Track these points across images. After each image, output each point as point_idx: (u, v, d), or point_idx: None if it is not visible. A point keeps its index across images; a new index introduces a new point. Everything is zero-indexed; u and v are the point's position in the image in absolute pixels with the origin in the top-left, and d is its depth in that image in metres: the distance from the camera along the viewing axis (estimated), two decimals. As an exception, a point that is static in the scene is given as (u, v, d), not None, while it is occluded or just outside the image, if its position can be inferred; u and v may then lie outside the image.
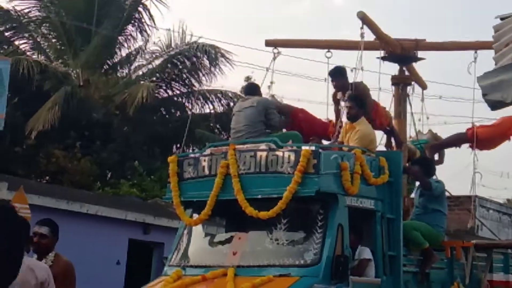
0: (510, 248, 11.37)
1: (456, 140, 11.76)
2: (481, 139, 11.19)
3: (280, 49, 11.84)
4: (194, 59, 24.92)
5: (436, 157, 12.00)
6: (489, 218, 17.13)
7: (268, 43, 12.02)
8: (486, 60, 10.56)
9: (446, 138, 11.99)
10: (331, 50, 11.64)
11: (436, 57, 12.79)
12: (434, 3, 58.98)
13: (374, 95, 10.41)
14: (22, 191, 11.36)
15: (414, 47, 12.40)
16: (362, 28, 10.74)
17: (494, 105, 10.12)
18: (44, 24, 25.24)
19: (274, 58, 11.58)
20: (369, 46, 12.23)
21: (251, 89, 10.22)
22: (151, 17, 25.40)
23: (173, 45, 25.14)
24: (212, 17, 53.84)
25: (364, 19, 10.84)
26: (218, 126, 25.46)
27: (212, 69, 24.85)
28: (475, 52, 11.56)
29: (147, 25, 25.46)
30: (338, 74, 10.24)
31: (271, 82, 11.41)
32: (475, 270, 10.47)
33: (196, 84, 25.36)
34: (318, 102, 13.33)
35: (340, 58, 12.22)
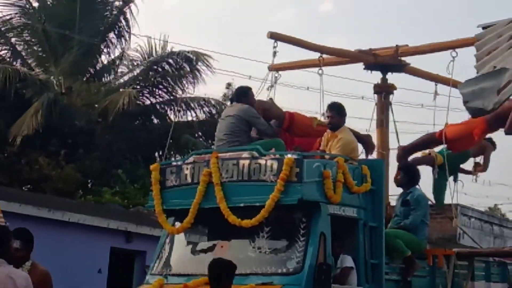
0: (492, 256, 11.41)
1: (425, 141, 11.65)
2: (450, 138, 11.09)
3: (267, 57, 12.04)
4: (176, 66, 24.89)
5: (480, 160, 11.91)
6: (471, 226, 17.15)
7: (274, 67, 12.31)
8: (466, 60, 10.56)
9: (416, 139, 11.88)
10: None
11: (420, 64, 12.81)
12: (429, 8, 59.26)
13: (353, 103, 10.48)
14: None
15: (394, 53, 12.48)
16: (275, 47, 11.32)
17: (475, 113, 10.15)
18: (25, 31, 25.14)
19: (275, 82, 11.87)
20: (360, 58, 12.50)
21: (238, 95, 9.97)
22: (128, 25, 25.37)
23: (154, 54, 25.13)
24: (196, 23, 53.89)
25: (275, 37, 11.36)
26: (200, 133, 25.43)
27: (194, 75, 24.81)
28: (453, 51, 11.58)
29: (128, 32, 25.43)
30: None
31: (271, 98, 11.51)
32: (456, 278, 10.50)
33: (178, 91, 25.33)
34: (306, 111, 13.37)
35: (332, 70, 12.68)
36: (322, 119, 10.91)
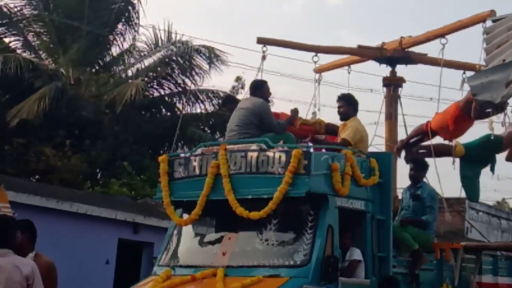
0: (499, 250, 11.40)
1: (417, 133, 11.62)
2: (435, 129, 11.08)
3: (271, 48, 12.15)
4: (187, 58, 24.85)
5: None
6: (479, 220, 17.15)
7: (318, 70, 12.85)
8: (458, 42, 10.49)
9: (410, 132, 11.89)
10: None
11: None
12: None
13: (363, 96, 10.53)
14: (3, 189, 11.27)
15: (398, 46, 12.50)
16: (265, 51, 11.70)
17: (483, 106, 10.14)
18: (35, 22, 25.16)
19: (318, 82, 12.36)
20: (369, 54, 12.63)
21: (254, 88, 9.93)
22: (137, 15, 25.39)
23: (160, 44, 25.13)
24: (203, 16, 53.91)
25: (264, 41, 11.82)
26: (208, 126, 25.40)
27: (207, 69, 24.79)
28: (443, 38, 11.69)
29: (136, 24, 25.43)
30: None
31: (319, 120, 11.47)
32: (464, 272, 10.50)
33: (188, 82, 25.32)
34: (309, 103, 13.47)
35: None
36: (310, 118, 11.03)
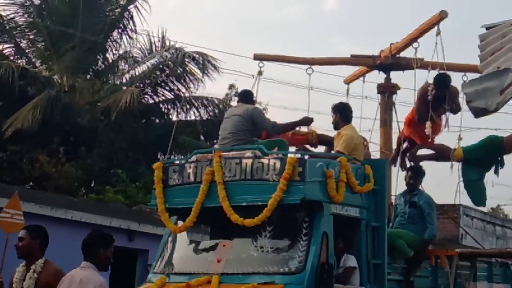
0: (494, 257, 11.40)
1: (398, 143, 11.67)
2: (407, 135, 11.15)
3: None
4: (180, 65, 24.87)
5: None
6: (474, 226, 17.16)
7: (346, 81, 13.34)
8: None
9: None
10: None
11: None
12: (433, 6, 59.33)
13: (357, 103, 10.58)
14: (17, 197, 11.23)
15: (388, 52, 12.57)
16: (262, 66, 12.04)
17: (478, 113, 10.18)
18: (28, 29, 25.16)
19: (347, 93, 12.83)
20: (362, 63, 12.75)
21: (244, 96, 10.13)
22: (133, 22, 25.40)
23: (154, 50, 25.16)
24: (199, 23, 53.96)
25: (260, 57, 12.23)
26: (203, 133, 25.39)
27: (200, 76, 24.82)
28: (415, 42, 11.90)
29: (131, 30, 25.46)
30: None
31: None
32: (459, 279, 10.49)
33: (182, 89, 25.34)
34: (303, 110, 13.55)
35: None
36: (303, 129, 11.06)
